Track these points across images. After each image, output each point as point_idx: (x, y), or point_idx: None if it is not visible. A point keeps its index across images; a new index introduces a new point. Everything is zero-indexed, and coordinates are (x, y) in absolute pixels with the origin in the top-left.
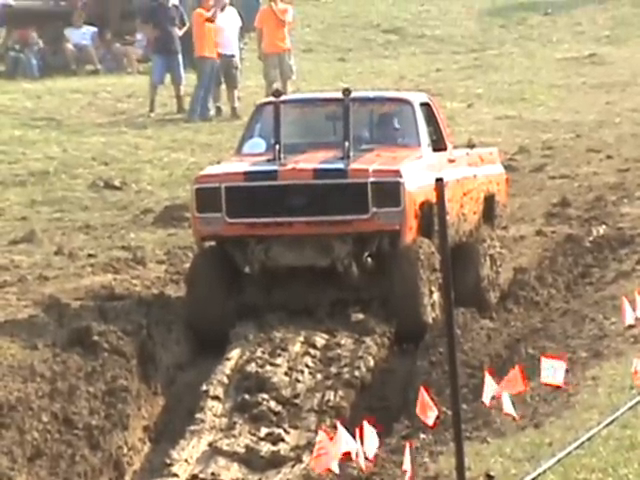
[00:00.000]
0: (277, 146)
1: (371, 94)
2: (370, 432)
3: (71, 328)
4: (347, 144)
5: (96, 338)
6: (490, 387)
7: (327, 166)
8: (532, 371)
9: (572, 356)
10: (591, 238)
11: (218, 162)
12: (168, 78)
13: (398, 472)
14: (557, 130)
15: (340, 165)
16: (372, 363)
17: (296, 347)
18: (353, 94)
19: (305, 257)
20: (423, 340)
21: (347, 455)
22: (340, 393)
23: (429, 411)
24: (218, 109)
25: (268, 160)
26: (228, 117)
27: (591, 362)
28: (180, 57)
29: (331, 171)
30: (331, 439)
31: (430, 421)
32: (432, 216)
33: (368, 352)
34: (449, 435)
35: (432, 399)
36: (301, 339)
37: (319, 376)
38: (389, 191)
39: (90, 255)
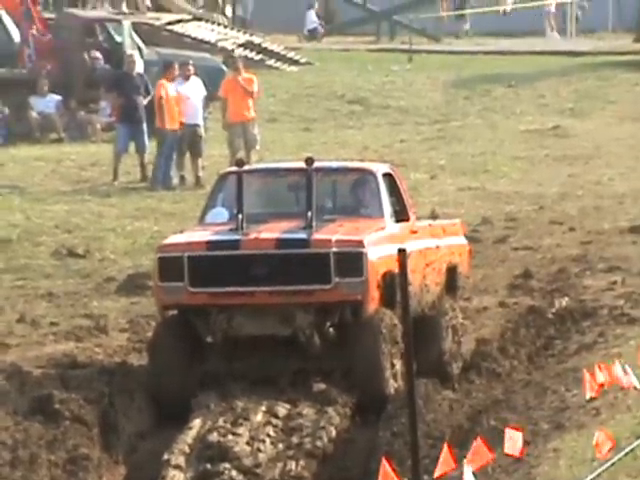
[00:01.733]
0: (240, 215)
1: (334, 164)
2: None
3: (32, 396)
4: (310, 214)
5: (57, 406)
6: (446, 462)
7: (289, 236)
8: (494, 443)
9: (534, 428)
10: (553, 310)
11: (181, 231)
12: (132, 147)
13: None
14: (520, 202)
15: (302, 235)
16: (334, 433)
17: (258, 417)
18: (316, 164)
19: (267, 327)
20: (385, 411)
21: None
22: (302, 463)
23: None
24: (182, 178)
25: (230, 229)
26: (192, 186)
27: (553, 434)
28: (144, 126)
29: (293, 241)
30: None
31: None
32: (394, 286)
33: (330, 422)
34: None
35: (394, 470)
36: (263, 409)
37: (281, 446)
38: (351, 261)
39: (52, 323)
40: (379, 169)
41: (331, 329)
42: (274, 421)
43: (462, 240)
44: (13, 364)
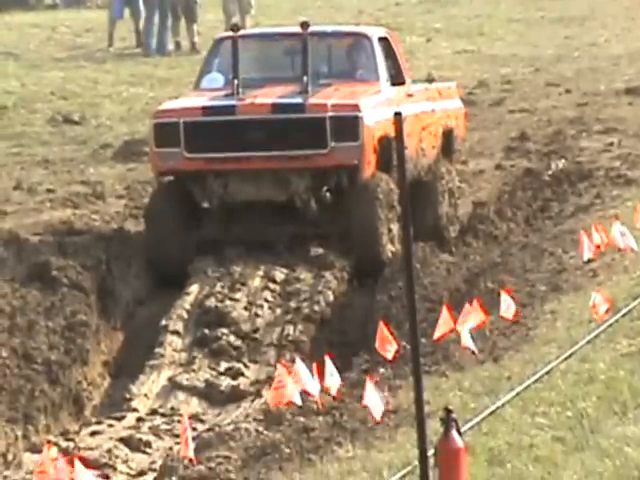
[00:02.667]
0: (235, 81)
1: (329, 28)
2: (331, 368)
3: (30, 263)
4: (305, 79)
5: (55, 273)
6: (445, 323)
7: (285, 101)
8: (491, 305)
9: (531, 290)
10: (550, 172)
11: (176, 97)
12: (127, 12)
13: (358, 406)
14: (516, 64)
15: (298, 99)
16: (331, 297)
17: (255, 282)
18: (311, 28)
19: (263, 192)
20: (382, 275)
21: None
22: (300, 327)
23: (388, 345)
24: (177, 44)
25: (226, 95)
26: (187, 52)
27: (550, 296)
28: None
29: (289, 105)
30: (289, 373)
31: (389, 355)
32: (391, 151)
33: (327, 286)
34: (408, 369)
35: (391, 333)
36: (260, 273)
37: (278, 310)
38: (347, 126)
39: (49, 190)
40: (374, 33)
41: (327, 194)
42: (272, 286)
43: (458, 103)
44: (10, 231)
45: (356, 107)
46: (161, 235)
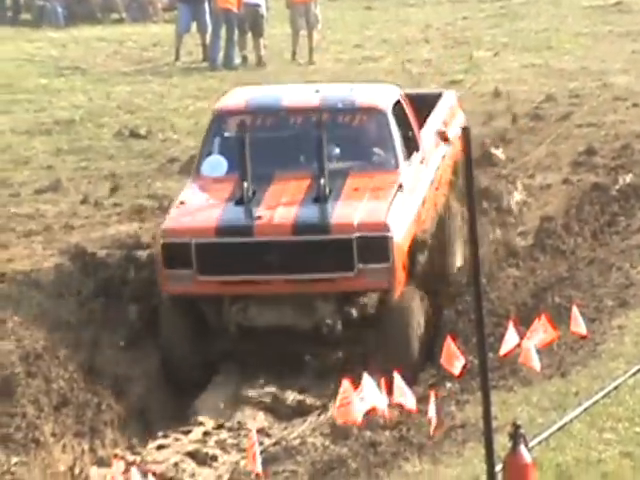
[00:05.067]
0: (245, 184)
1: (340, 102)
2: (402, 385)
3: (97, 277)
4: (323, 182)
5: (121, 287)
6: (512, 338)
7: (308, 221)
8: (559, 320)
9: (598, 305)
10: (617, 187)
11: (182, 202)
12: (194, 26)
13: (424, 421)
14: (584, 78)
15: (322, 219)
16: None
17: None
18: (320, 95)
19: (285, 318)
20: (449, 290)
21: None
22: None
23: (455, 360)
24: (244, 58)
25: (237, 202)
26: (254, 66)
27: (617, 311)
28: (206, 5)
29: (312, 227)
30: (355, 389)
31: (456, 370)
32: (416, 251)
33: None
34: (475, 384)
35: (458, 348)
36: None
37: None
38: (376, 247)
39: (116, 204)
40: (388, 102)
41: (354, 314)
42: None
43: (460, 115)
44: (77, 245)
45: (385, 227)
46: (174, 354)
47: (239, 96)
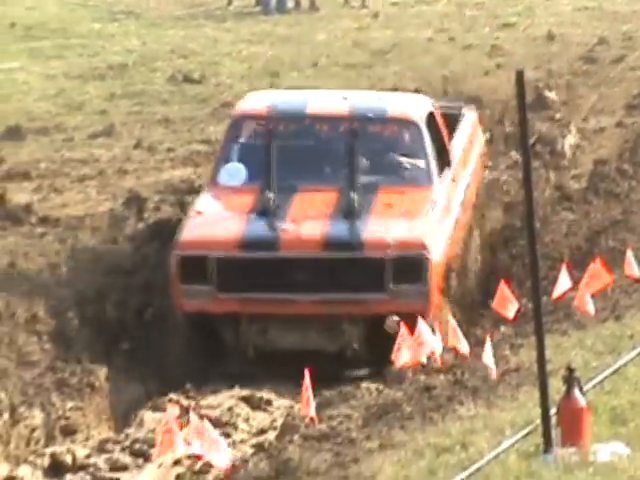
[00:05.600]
0: (270, 195)
1: (370, 111)
2: (456, 328)
3: (150, 222)
4: (353, 195)
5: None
6: (564, 282)
7: (337, 235)
8: (613, 264)
9: None
10: None
11: (199, 212)
12: None
13: (479, 365)
14: (637, 21)
15: (354, 235)
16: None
17: None
18: (350, 104)
19: (309, 341)
20: (504, 234)
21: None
22: None
23: (509, 304)
24: (297, 2)
25: (259, 212)
26: (307, 9)
27: None
28: None
29: (342, 242)
30: (411, 334)
31: (510, 314)
32: (451, 271)
33: None
34: (529, 328)
35: (512, 292)
36: None
37: None
38: (412, 267)
39: (169, 149)
40: (421, 113)
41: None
42: None
43: (480, 138)
44: (131, 190)
45: (422, 246)
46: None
47: (260, 100)
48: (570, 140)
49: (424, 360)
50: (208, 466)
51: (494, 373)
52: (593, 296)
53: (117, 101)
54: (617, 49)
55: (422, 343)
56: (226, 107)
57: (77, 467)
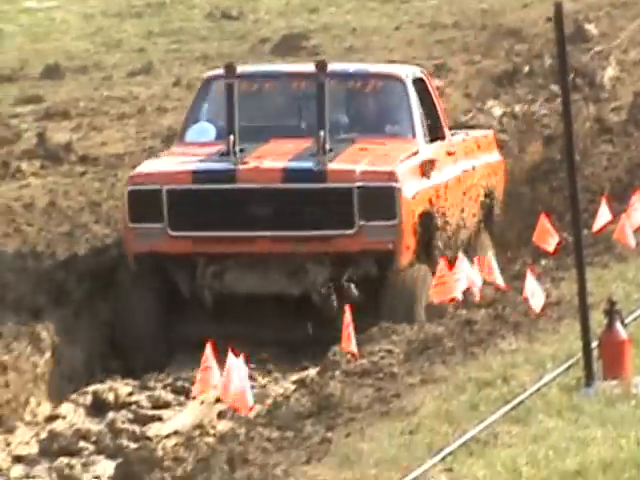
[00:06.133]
0: (231, 136)
1: (351, 67)
2: (494, 263)
3: None
4: (322, 133)
5: None
6: (605, 214)
7: (299, 165)
8: None
9: None
10: None
11: (157, 155)
12: None
13: (519, 298)
14: None
15: (317, 165)
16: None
17: None
18: (330, 67)
19: (270, 284)
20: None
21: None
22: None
23: (549, 237)
24: None
25: (221, 154)
26: None
27: None
28: None
29: (305, 172)
30: (450, 269)
31: (550, 247)
32: (432, 231)
33: None
34: (570, 261)
35: (552, 225)
36: None
37: None
38: (381, 199)
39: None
40: (408, 74)
41: (352, 286)
42: None
43: (497, 156)
44: (170, 128)
45: (392, 175)
46: (133, 332)
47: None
48: (609, 72)
49: (460, 296)
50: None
51: (536, 306)
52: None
53: (155, 39)
54: None
55: (459, 279)
56: (264, 43)
57: (119, 405)
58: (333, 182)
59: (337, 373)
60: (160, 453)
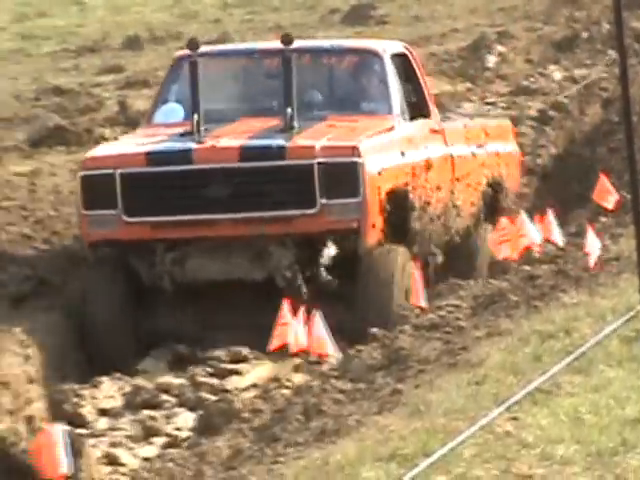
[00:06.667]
0: (195, 116)
1: (324, 44)
2: (553, 220)
3: None
4: (290, 111)
5: None
6: None
7: (258, 143)
8: None
9: None
10: None
11: (115, 138)
12: None
13: (580, 254)
14: None
15: (276, 141)
16: (554, 151)
17: None
18: (299, 43)
19: (232, 268)
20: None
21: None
22: (523, 180)
23: (609, 195)
24: None
25: (182, 134)
26: None
27: None
28: None
29: (263, 149)
30: (512, 223)
31: (610, 205)
32: (407, 211)
33: (550, 140)
34: (628, 218)
35: (612, 184)
36: None
37: None
38: (342, 175)
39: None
40: (386, 48)
41: (322, 269)
42: None
43: (512, 147)
44: None
45: (354, 150)
46: (99, 328)
47: (206, 47)
48: None
49: (515, 256)
50: (322, 357)
51: (595, 261)
52: None
53: (230, 10)
54: None
55: (522, 236)
56: (334, 13)
57: (199, 360)
58: (292, 159)
59: (407, 327)
60: (238, 405)
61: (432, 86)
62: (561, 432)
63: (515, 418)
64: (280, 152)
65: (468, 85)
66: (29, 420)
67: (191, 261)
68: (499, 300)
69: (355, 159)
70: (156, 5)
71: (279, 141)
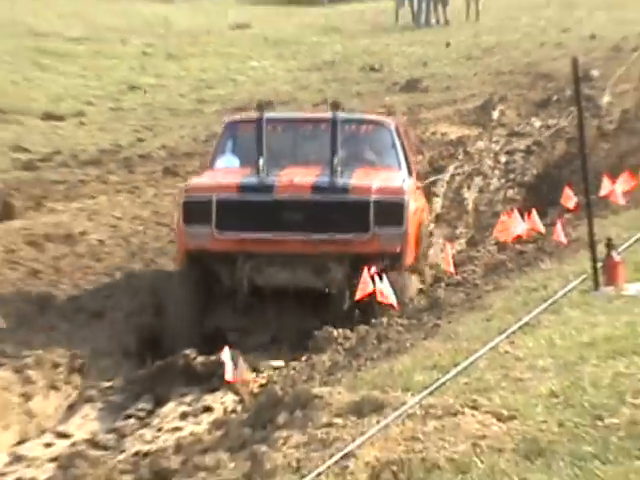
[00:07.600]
0: (260, 160)
1: (351, 115)
2: (535, 217)
3: None
4: (336, 160)
5: None
6: (606, 186)
7: (327, 181)
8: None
9: None
10: None
11: (200, 175)
12: (407, 1)
13: (552, 237)
14: None
15: (341, 181)
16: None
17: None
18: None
19: (298, 277)
20: (566, 158)
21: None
22: (515, 190)
23: (571, 200)
24: (437, 20)
25: (258, 173)
26: (443, 25)
27: None
28: None
29: (332, 187)
30: (509, 216)
31: (572, 206)
32: (422, 243)
33: (533, 164)
34: (583, 215)
35: (573, 192)
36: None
37: (502, 180)
38: (392, 210)
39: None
40: (391, 122)
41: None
42: (500, 165)
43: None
44: None
45: (401, 191)
46: (179, 323)
47: (251, 114)
48: (606, 98)
49: (510, 239)
50: (389, 305)
51: (563, 241)
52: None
53: (329, 84)
54: (634, 42)
55: (515, 225)
56: (395, 85)
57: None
58: (354, 195)
59: (442, 284)
60: (335, 334)
61: (452, 133)
62: (541, 351)
63: (512, 342)
64: (344, 189)
65: (480, 130)
66: None
67: (266, 270)
68: (501, 266)
69: (402, 197)
70: (282, 81)
71: (345, 180)
